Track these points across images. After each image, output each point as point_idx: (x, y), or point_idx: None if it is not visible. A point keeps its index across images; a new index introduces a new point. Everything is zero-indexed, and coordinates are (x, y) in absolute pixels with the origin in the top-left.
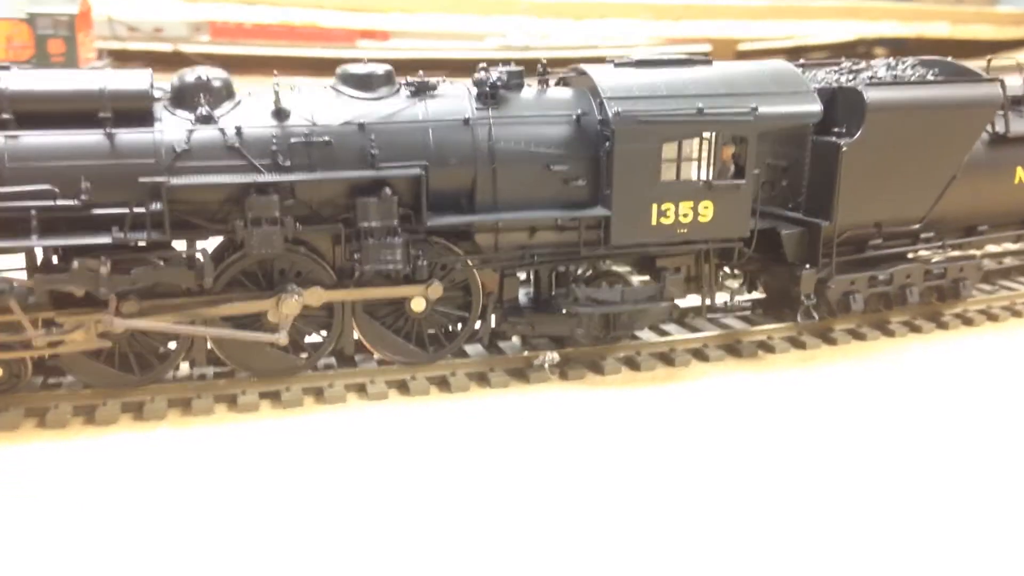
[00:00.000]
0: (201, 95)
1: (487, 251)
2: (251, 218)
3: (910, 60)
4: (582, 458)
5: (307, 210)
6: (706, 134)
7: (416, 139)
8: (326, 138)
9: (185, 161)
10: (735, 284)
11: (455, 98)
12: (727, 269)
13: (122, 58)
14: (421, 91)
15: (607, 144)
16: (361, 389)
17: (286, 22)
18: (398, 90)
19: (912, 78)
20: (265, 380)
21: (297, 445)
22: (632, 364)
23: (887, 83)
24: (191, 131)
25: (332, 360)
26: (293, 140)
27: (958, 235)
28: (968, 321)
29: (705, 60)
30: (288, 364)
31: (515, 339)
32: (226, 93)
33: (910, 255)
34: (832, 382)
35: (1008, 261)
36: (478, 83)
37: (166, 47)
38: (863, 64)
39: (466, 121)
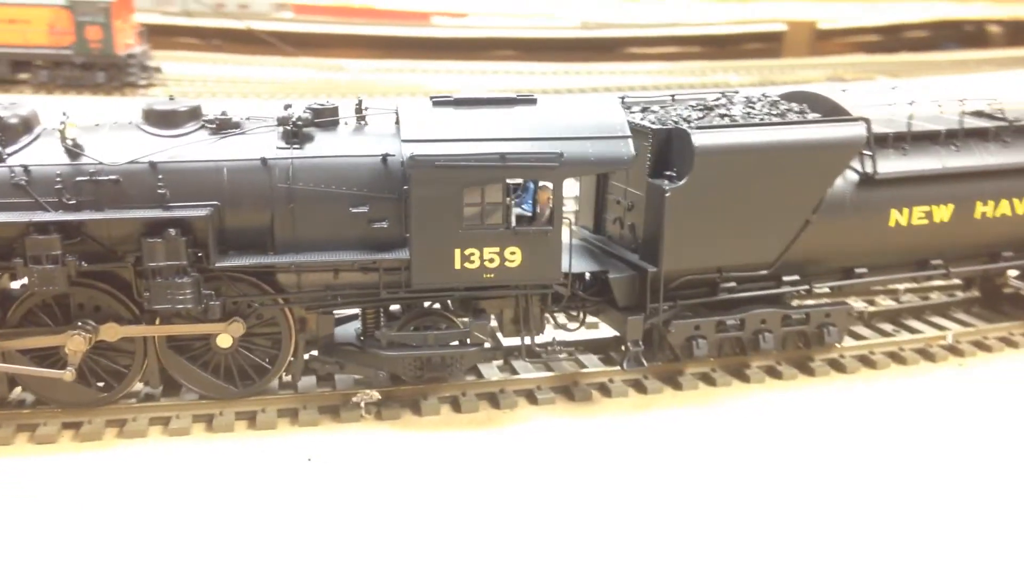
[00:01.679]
0: None
1: (290, 290)
2: (30, 256)
3: (774, 95)
4: (380, 503)
5: (99, 247)
6: (510, 180)
7: (209, 179)
8: (114, 176)
9: None
10: (572, 324)
11: (257, 136)
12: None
13: (198, 35)
14: (222, 129)
15: (406, 187)
16: (167, 423)
17: (347, 4)
18: (200, 128)
19: (768, 116)
20: (69, 411)
21: (88, 482)
22: (455, 405)
23: (722, 125)
24: None
25: (156, 391)
26: (79, 178)
27: (835, 278)
28: (840, 368)
29: (529, 100)
30: (88, 397)
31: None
32: (23, 129)
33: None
34: (667, 429)
35: (935, 296)
36: (281, 121)
37: (239, 24)
38: (723, 99)
39: (264, 161)
